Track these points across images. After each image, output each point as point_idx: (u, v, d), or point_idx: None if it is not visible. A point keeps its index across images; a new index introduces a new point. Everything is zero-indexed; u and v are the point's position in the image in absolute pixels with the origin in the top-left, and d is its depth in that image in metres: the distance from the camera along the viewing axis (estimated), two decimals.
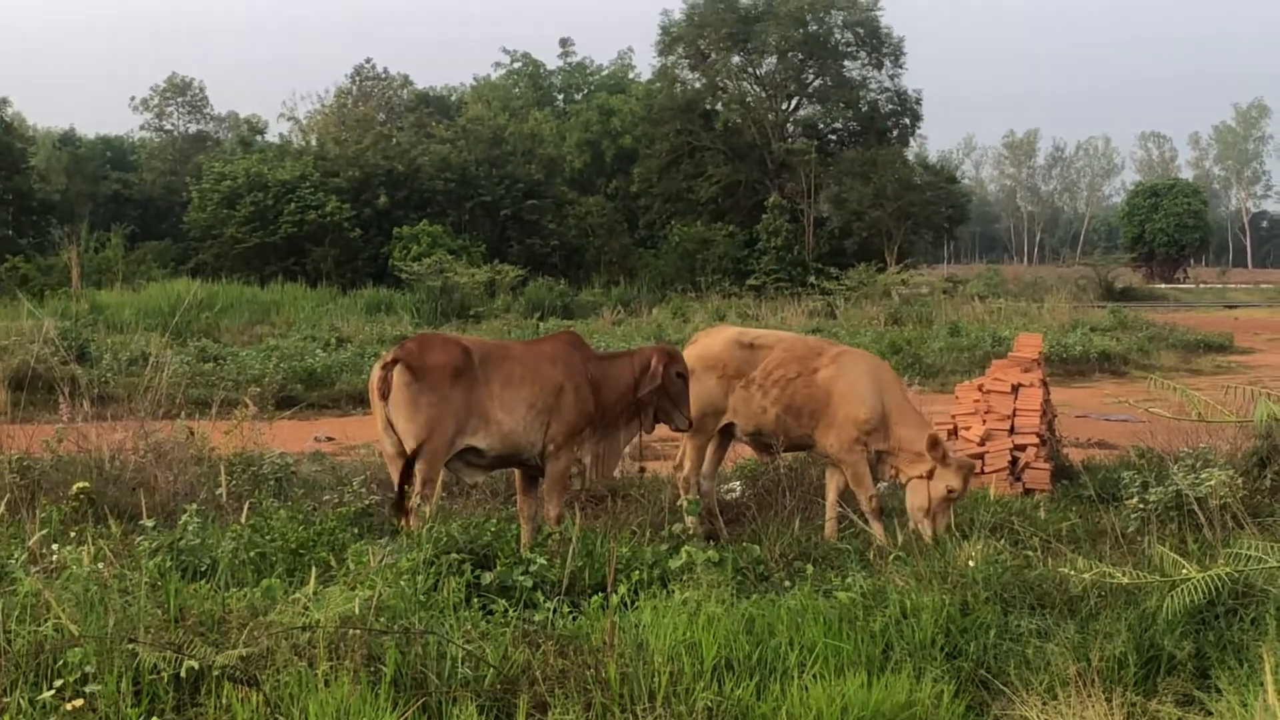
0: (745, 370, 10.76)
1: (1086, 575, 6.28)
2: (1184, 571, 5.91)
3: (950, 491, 10.05)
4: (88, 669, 5.52)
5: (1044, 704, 5.44)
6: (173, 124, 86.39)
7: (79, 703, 5.29)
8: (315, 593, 6.68)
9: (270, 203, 53.69)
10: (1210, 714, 5.71)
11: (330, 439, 16.40)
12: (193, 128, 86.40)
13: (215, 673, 5.67)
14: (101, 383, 17.96)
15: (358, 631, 6.09)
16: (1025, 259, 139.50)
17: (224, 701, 5.56)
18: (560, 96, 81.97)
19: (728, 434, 11.08)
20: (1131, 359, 29.00)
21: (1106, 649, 6.61)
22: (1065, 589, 7.46)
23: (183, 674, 5.58)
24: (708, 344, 11.06)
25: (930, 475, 10.10)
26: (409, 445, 9.11)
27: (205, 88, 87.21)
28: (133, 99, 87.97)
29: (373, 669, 5.93)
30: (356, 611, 6.30)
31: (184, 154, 77.49)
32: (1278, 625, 6.73)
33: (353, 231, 54.15)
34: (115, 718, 5.39)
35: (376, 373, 9.31)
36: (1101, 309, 42.56)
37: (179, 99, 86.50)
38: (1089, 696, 5.29)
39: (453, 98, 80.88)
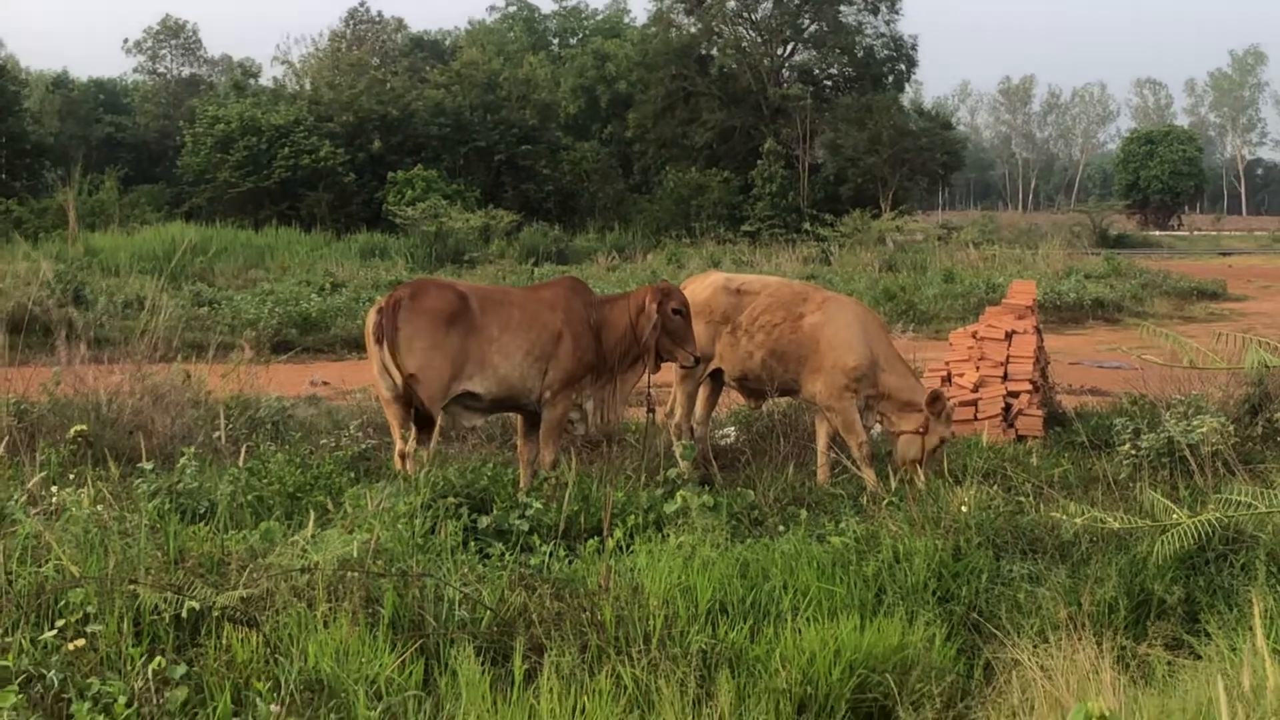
0: (732, 315, 10.76)
1: (1078, 520, 6.34)
2: (1174, 517, 5.96)
3: (943, 441, 10.18)
4: (89, 609, 5.57)
5: (1034, 647, 5.50)
6: (166, 67, 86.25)
7: (81, 643, 5.33)
8: (313, 536, 6.73)
9: (264, 147, 53.55)
10: (1199, 657, 5.77)
11: (325, 383, 16.42)
12: (186, 71, 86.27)
13: (215, 614, 5.71)
14: (97, 326, 18.01)
15: (356, 574, 6.13)
16: (1020, 206, 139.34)
17: (224, 642, 5.60)
18: (555, 41, 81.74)
19: (719, 380, 11.11)
20: (1125, 306, 29.04)
21: (1097, 593, 6.67)
22: (1057, 534, 7.52)
23: (184, 615, 5.63)
24: (695, 290, 11.06)
25: (924, 428, 10.20)
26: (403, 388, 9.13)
27: (199, 30, 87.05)
28: (126, 41, 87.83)
29: (371, 611, 5.97)
30: (355, 554, 6.35)
31: (177, 97, 77.38)
32: (1267, 570, 6.79)
33: (347, 176, 54.06)
34: (116, 658, 5.43)
35: (372, 317, 9.31)
36: (1096, 256, 42.59)
37: (172, 41, 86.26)
38: (1079, 640, 5.35)
39: (447, 42, 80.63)
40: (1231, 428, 10.01)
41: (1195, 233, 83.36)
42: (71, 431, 9.59)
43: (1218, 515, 6.00)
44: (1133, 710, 4.54)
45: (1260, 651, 4.60)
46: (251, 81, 68.20)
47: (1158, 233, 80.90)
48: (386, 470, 9.66)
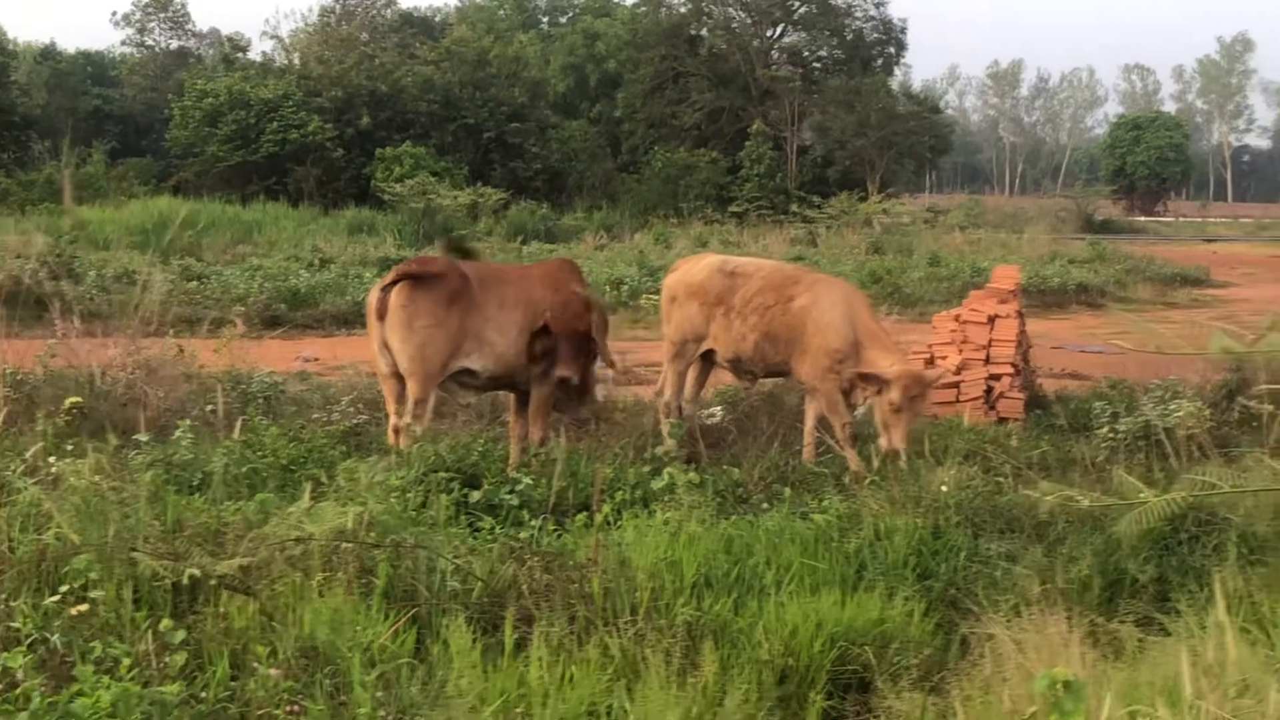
0: (726, 298, 10.91)
1: (1050, 498, 6.52)
2: (1141, 496, 6.15)
3: (891, 405, 10.05)
4: (92, 576, 5.70)
5: (1009, 621, 5.68)
6: (154, 40, 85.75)
7: (83, 608, 5.46)
8: (308, 508, 6.88)
9: (252, 121, 53.34)
10: (1169, 634, 5.95)
11: (315, 359, 16.52)
12: (174, 44, 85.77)
13: (212, 582, 5.86)
14: (87, 299, 18.09)
15: (350, 545, 6.29)
16: (1006, 190, 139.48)
17: (221, 610, 5.74)
18: (545, 19, 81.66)
19: (709, 360, 11.27)
20: (1108, 291, 29.16)
21: (1071, 571, 6.87)
22: (1034, 514, 7.71)
23: (183, 582, 5.78)
24: (691, 271, 11.22)
25: (879, 392, 10.22)
26: (403, 366, 9.29)
27: (187, 3, 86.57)
28: (114, 14, 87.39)
29: (365, 581, 6.13)
30: (349, 526, 6.49)
31: (165, 70, 77.05)
32: (1238, 551, 6.99)
33: (335, 152, 53.92)
34: (116, 623, 5.56)
35: (375, 294, 9.48)
36: (1080, 241, 42.74)
37: (160, 14, 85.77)
38: (1050, 614, 5.53)
39: (437, 19, 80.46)
40: (1208, 412, 10.20)
41: (1181, 219, 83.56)
42: (67, 403, 9.68)
43: (1184, 495, 6.17)
44: (1102, 682, 4.71)
45: (1221, 623, 4.78)
46: (240, 55, 67.91)
47: (1143, 219, 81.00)
48: (377, 445, 9.80)
